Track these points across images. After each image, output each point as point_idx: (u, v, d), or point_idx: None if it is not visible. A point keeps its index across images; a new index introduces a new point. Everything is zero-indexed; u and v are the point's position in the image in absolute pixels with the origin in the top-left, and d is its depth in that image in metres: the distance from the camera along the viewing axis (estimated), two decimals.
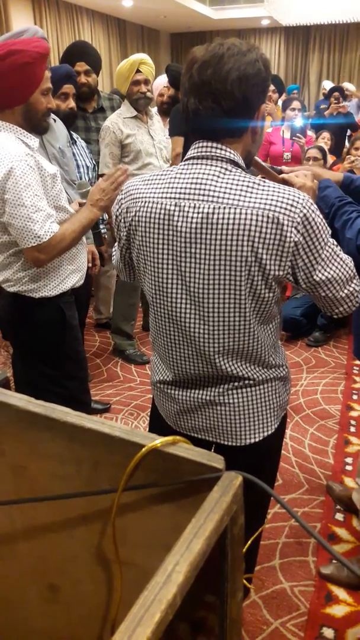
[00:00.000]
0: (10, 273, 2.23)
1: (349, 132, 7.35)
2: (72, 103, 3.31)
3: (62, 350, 2.43)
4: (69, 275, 2.35)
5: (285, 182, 1.70)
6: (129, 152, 3.70)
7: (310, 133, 5.84)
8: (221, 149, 1.39)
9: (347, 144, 6.80)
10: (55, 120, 3.04)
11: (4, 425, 1.11)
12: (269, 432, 1.60)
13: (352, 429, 3.32)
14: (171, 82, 4.29)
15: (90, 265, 3.20)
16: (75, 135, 3.49)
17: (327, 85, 10.06)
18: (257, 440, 1.59)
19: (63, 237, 2.18)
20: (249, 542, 1.06)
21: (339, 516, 2.60)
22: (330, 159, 5.33)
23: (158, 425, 1.72)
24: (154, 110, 4.31)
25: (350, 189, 2.01)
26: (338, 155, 5.80)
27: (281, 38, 15.03)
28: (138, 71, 3.66)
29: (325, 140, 5.63)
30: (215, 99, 1.33)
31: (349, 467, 2.96)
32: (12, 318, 2.35)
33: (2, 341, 3.86)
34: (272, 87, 6.28)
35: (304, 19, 13.63)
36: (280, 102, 6.90)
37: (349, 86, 9.34)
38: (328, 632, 2.04)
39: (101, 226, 3.67)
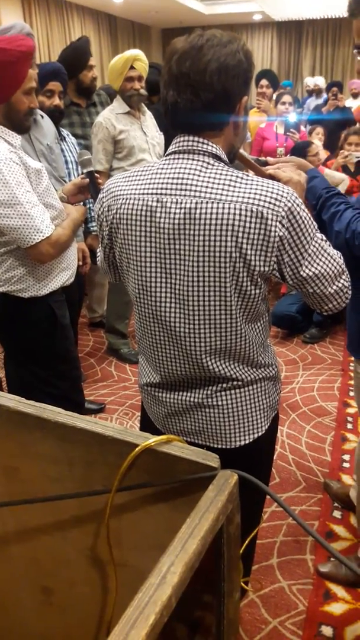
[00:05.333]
0: None
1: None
2: (56, 100, 3.27)
3: (53, 350, 2.40)
4: (59, 274, 2.32)
5: (272, 177, 1.66)
6: (122, 148, 3.67)
7: (304, 128, 5.80)
8: (203, 143, 1.34)
9: None
10: (42, 117, 3.01)
11: None
12: (260, 434, 1.56)
13: (349, 426, 3.31)
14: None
15: (80, 263, 3.18)
16: (65, 132, 3.47)
17: (310, 82, 9.96)
18: (247, 442, 1.55)
19: (63, 231, 2.19)
20: (246, 542, 1.04)
21: (337, 514, 2.58)
22: (324, 154, 5.31)
23: (148, 428, 1.68)
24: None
25: None
26: (333, 151, 5.78)
27: (273, 33, 15.00)
28: (132, 67, 3.63)
29: (319, 135, 5.61)
30: (194, 91, 1.28)
31: (346, 464, 2.95)
32: (2, 318, 2.32)
33: None
34: (265, 82, 6.20)
35: (296, 14, 13.57)
36: (275, 97, 6.83)
37: (310, 81, 9.44)
38: (327, 630, 2.02)
39: (93, 224, 3.65)
